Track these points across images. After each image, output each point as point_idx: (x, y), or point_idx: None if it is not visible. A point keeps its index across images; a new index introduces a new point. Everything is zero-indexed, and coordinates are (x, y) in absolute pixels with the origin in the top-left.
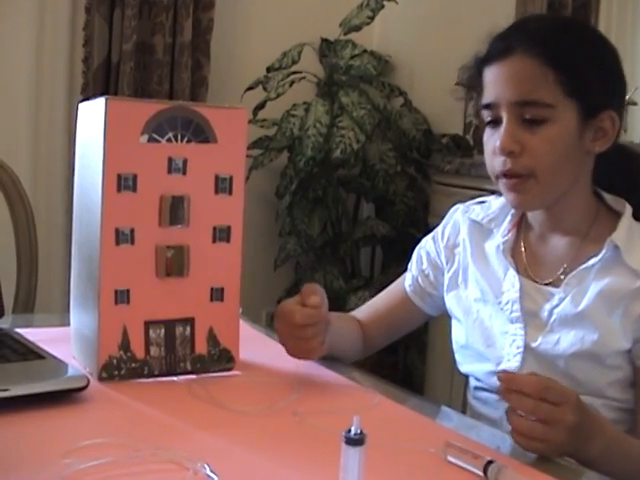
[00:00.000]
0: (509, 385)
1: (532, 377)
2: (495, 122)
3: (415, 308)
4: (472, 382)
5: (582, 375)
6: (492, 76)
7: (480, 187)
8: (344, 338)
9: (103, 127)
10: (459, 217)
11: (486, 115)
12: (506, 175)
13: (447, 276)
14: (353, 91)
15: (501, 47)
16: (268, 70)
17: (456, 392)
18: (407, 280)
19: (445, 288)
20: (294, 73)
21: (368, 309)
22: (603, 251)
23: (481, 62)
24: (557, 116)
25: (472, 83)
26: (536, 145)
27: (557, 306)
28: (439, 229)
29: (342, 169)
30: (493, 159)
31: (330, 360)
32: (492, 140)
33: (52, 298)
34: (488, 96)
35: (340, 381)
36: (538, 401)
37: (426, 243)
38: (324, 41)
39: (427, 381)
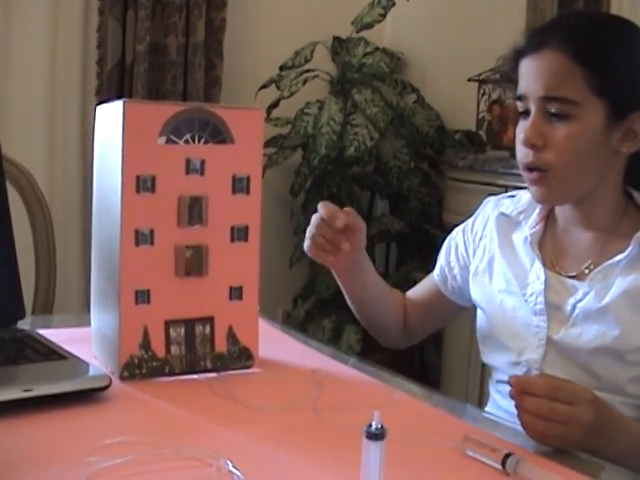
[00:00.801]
0: (521, 388)
1: (542, 378)
2: (526, 114)
3: (444, 298)
4: (494, 375)
5: (602, 370)
6: (525, 68)
7: (494, 182)
8: (384, 294)
9: (122, 129)
10: (489, 210)
11: (519, 106)
12: (529, 168)
13: (472, 266)
14: (366, 89)
15: (536, 41)
16: (281, 69)
17: (472, 387)
18: (436, 269)
19: (470, 277)
20: (307, 71)
21: (410, 293)
22: (630, 248)
23: (518, 54)
24: (582, 114)
25: (509, 74)
26: (558, 141)
27: (581, 300)
28: (470, 221)
29: (356, 166)
30: (520, 151)
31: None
32: (521, 132)
33: (70, 299)
34: (520, 88)
35: (359, 377)
36: (553, 402)
37: (456, 234)
38: (336, 39)
39: (443, 376)
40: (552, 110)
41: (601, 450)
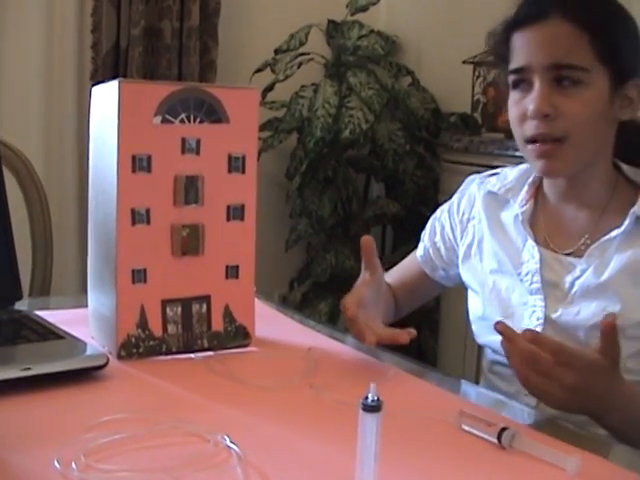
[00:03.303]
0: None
1: (557, 342)
2: (524, 87)
3: (428, 279)
4: (489, 356)
5: None
6: (524, 40)
7: (489, 164)
8: (389, 299)
9: (117, 109)
10: (474, 190)
11: (512, 79)
12: (537, 140)
13: (461, 249)
14: (361, 71)
15: (535, 11)
16: (276, 52)
17: (468, 370)
18: (419, 250)
19: (460, 260)
20: (302, 55)
21: (395, 274)
22: (625, 223)
23: (511, 27)
24: (591, 80)
25: (499, 48)
26: (571, 108)
27: (579, 277)
28: (454, 201)
29: (351, 149)
30: (523, 124)
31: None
32: (520, 105)
33: (66, 281)
34: (519, 60)
35: (355, 355)
36: (539, 354)
37: (441, 214)
38: (331, 22)
39: (439, 359)
40: (562, 79)
41: (595, 420)
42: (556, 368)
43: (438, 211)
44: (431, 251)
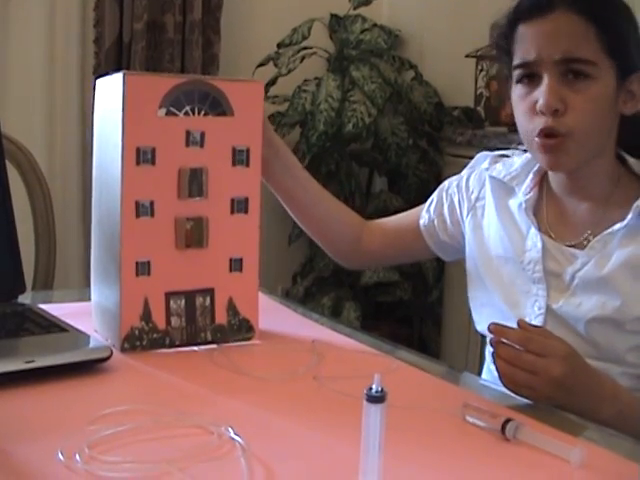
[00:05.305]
0: (498, 336)
1: (520, 330)
2: (530, 80)
3: (424, 244)
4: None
5: (602, 339)
6: (531, 33)
7: None
8: (326, 200)
9: (122, 101)
10: (484, 169)
11: (519, 73)
12: (546, 135)
13: (467, 226)
14: (364, 65)
15: (541, 3)
16: (279, 46)
17: (471, 362)
18: (422, 217)
19: (466, 239)
20: (305, 49)
21: (386, 219)
22: (629, 217)
23: (515, 19)
24: (599, 74)
25: (503, 41)
26: (579, 104)
27: (579, 270)
28: (464, 176)
29: (354, 143)
30: (531, 118)
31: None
32: (528, 99)
33: (69, 275)
34: (526, 53)
35: (358, 347)
36: (521, 351)
37: (450, 187)
38: (334, 16)
39: (442, 353)
40: (573, 71)
41: (587, 414)
42: (539, 360)
43: (446, 182)
44: (436, 222)
